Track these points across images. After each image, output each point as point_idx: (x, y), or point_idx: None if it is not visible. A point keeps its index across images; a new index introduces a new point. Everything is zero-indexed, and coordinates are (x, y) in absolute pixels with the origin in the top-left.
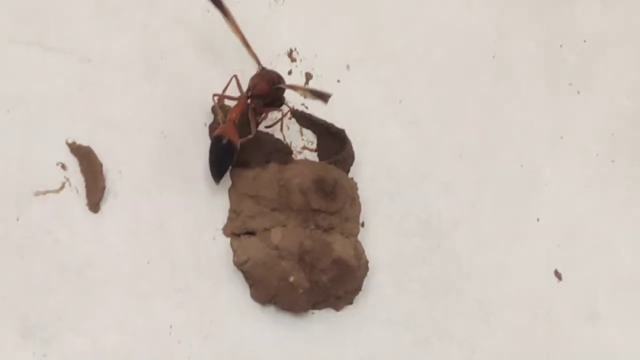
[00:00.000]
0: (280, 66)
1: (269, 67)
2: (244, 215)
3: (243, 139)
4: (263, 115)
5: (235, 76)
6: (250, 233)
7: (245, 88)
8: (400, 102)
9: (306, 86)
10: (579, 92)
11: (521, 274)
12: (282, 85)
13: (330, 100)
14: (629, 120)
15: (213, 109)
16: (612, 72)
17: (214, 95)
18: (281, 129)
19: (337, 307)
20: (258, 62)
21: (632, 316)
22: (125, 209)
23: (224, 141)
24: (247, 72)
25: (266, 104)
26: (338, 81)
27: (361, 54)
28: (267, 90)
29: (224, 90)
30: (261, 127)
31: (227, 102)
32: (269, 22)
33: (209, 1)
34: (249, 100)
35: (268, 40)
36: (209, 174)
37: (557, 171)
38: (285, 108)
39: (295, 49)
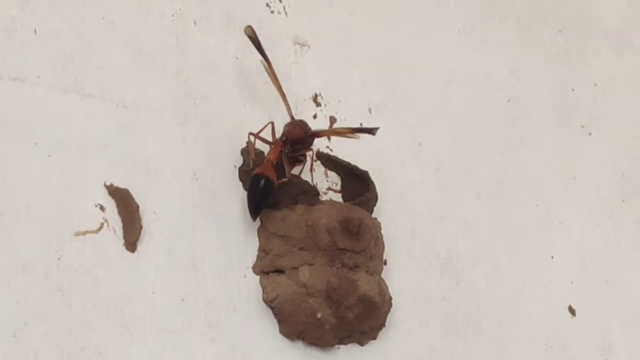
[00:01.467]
0: (305, 110)
1: (295, 111)
2: (273, 254)
3: (279, 181)
4: (302, 161)
5: (272, 123)
6: (279, 271)
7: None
8: (420, 144)
9: (350, 127)
10: (590, 134)
11: (537, 310)
12: (324, 131)
13: (354, 142)
14: (638, 161)
15: (243, 152)
16: (622, 114)
17: (250, 133)
18: (311, 171)
19: (362, 342)
20: (289, 110)
21: None
22: (160, 249)
23: (263, 181)
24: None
25: (297, 150)
26: (360, 124)
27: (382, 98)
28: (301, 136)
29: (259, 132)
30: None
31: (257, 145)
32: (295, 67)
33: (257, 49)
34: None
35: (293, 85)
36: (244, 212)
37: (570, 211)
38: (313, 151)
39: (320, 94)
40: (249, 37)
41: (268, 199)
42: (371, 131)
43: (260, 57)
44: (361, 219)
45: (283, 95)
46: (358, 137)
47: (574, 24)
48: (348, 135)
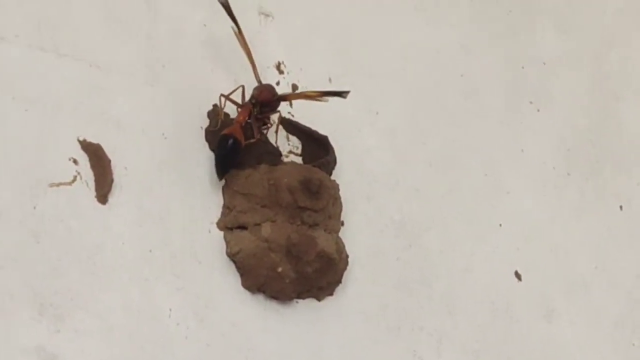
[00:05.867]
0: (269, 78)
1: (259, 77)
2: (237, 210)
3: (247, 141)
4: (267, 123)
5: (243, 86)
6: (242, 227)
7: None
8: (377, 113)
9: (319, 90)
10: (538, 110)
11: (484, 274)
12: (292, 94)
13: (313, 110)
14: (583, 137)
15: (210, 114)
16: (569, 92)
17: (221, 95)
18: (275, 133)
19: (319, 297)
20: (257, 75)
21: (583, 314)
22: (130, 202)
23: (230, 140)
24: (239, 83)
25: (264, 112)
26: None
27: (342, 69)
28: (269, 99)
29: (230, 94)
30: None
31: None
32: (259, 36)
33: (229, 16)
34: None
35: (258, 54)
36: (208, 173)
37: (517, 181)
38: (277, 115)
39: (282, 62)
40: (222, 4)
41: (235, 159)
42: (341, 94)
43: (232, 23)
44: (321, 180)
45: (252, 60)
46: (327, 101)
47: (523, 5)
48: (317, 98)
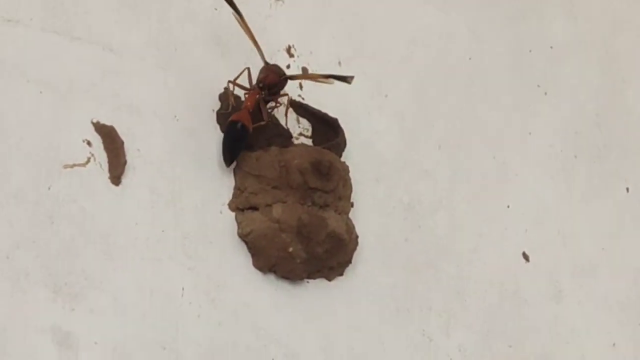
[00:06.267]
0: (279, 61)
1: (269, 61)
2: (248, 192)
3: (255, 124)
4: (274, 104)
5: (248, 69)
6: (253, 208)
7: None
8: (386, 96)
9: (325, 74)
10: (546, 94)
11: (493, 255)
12: (298, 75)
13: (324, 92)
14: (590, 121)
15: (221, 97)
16: (576, 76)
17: (229, 81)
18: (285, 116)
19: (330, 277)
20: (263, 57)
21: (590, 295)
22: (143, 183)
23: (239, 126)
24: (252, 66)
25: (272, 94)
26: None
27: (351, 52)
28: (276, 81)
29: (236, 79)
30: None
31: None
32: (270, 20)
33: (228, 3)
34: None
35: (268, 37)
36: (219, 155)
37: (525, 164)
38: (286, 97)
39: (293, 46)
40: None
41: (243, 144)
42: (346, 79)
43: (232, 10)
44: (331, 161)
45: (255, 42)
46: (332, 83)
47: None
48: (321, 80)
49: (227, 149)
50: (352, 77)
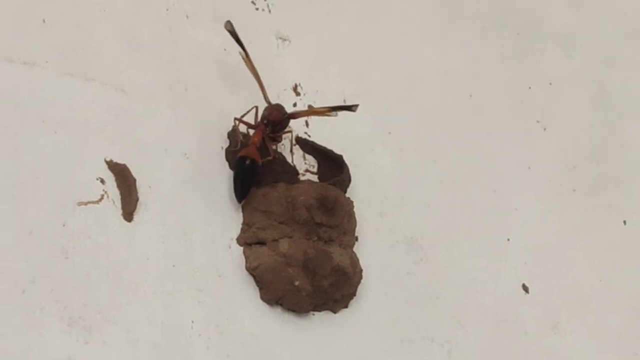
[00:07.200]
0: (286, 99)
1: (276, 99)
2: (256, 227)
3: (263, 159)
4: (280, 141)
5: (256, 107)
6: (261, 243)
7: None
8: (389, 133)
9: (329, 107)
10: (545, 129)
11: (493, 287)
12: (301, 112)
13: (330, 129)
14: (588, 155)
15: (229, 134)
16: (574, 111)
17: (235, 118)
18: (290, 153)
19: (335, 310)
20: (266, 97)
21: (587, 326)
22: (154, 219)
23: (247, 162)
24: (259, 105)
25: (276, 131)
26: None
27: (356, 89)
28: (280, 118)
29: (243, 116)
30: None
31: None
32: (277, 60)
33: (236, 42)
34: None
35: (276, 76)
36: (228, 191)
37: (525, 198)
38: (292, 135)
39: (299, 84)
40: (229, 31)
41: (253, 179)
42: (350, 108)
43: (239, 49)
44: (336, 197)
45: (260, 82)
46: (336, 115)
47: (530, 28)
48: (326, 114)
49: (239, 186)
50: (356, 106)
